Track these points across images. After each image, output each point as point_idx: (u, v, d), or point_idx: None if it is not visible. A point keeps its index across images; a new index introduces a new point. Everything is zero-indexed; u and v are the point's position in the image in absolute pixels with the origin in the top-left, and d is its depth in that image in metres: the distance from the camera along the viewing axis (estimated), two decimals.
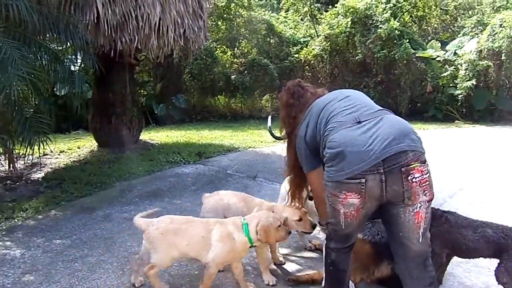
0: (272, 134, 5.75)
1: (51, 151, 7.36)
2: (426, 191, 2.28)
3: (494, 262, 3.57)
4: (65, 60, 5.92)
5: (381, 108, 2.51)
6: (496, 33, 12.22)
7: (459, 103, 12.89)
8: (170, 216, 3.15)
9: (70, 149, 7.85)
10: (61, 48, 6.11)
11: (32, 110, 5.49)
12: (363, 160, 2.24)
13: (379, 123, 2.35)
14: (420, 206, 2.30)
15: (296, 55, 14.53)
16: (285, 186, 3.75)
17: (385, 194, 2.29)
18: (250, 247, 2.98)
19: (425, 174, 2.27)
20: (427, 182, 2.28)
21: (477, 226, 2.96)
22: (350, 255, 2.64)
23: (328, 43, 14.19)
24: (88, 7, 5.84)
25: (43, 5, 5.50)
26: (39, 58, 5.56)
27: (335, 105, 2.60)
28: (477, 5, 15.71)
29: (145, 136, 8.98)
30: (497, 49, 12.14)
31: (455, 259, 3.60)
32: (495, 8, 14.38)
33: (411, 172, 2.23)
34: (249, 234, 2.90)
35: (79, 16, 5.81)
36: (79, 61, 6.98)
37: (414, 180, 2.24)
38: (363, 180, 2.25)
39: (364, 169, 2.24)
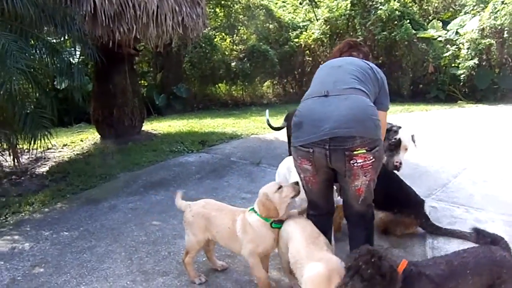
0: (270, 126, 5.83)
1: (55, 145, 7.38)
2: (367, 173, 2.48)
3: None
4: (64, 53, 5.89)
5: (356, 86, 2.57)
6: (498, 10, 12.06)
7: (462, 83, 12.77)
8: (205, 200, 3.17)
9: (73, 142, 7.86)
10: (59, 40, 6.08)
11: (33, 104, 5.49)
12: (313, 133, 2.46)
13: (342, 101, 2.49)
14: (361, 184, 2.53)
15: (296, 40, 14.40)
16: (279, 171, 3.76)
17: (330, 165, 2.52)
18: (275, 227, 2.79)
19: (369, 161, 2.43)
20: (370, 167, 2.46)
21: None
22: (329, 220, 2.88)
23: (328, 27, 14.07)
24: None
25: None
26: (37, 51, 5.54)
27: (326, 70, 2.85)
28: None
29: (147, 126, 8.98)
30: (500, 27, 12.00)
31: (454, 245, 3.63)
32: None
33: (353, 157, 2.41)
34: (259, 213, 2.80)
35: (75, 7, 5.76)
36: (78, 53, 6.96)
37: (355, 164, 2.43)
38: (311, 150, 2.50)
39: (312, 141, 2.47)
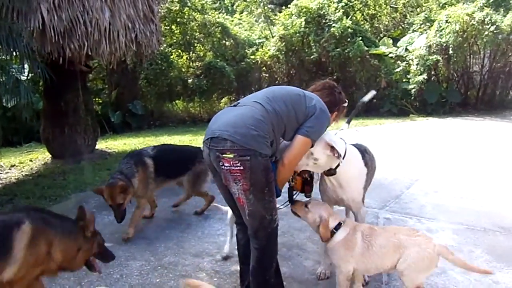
0: None
1: (1, 166, 7.02)
2: (237, 181, 2.47)
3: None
4: (11, 70, 5.65)
5: (259, 101, 2.60)
6: (443, 29, 12.75)
7: (413, 97, 13.34)
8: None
9: (21, 163, 7.50)
10: (5, 57, 5.84)
11: None
12: (206, 133, 2.61)
13: (237, 110, 2.62)
14: (238, 193, 2.51)
15: (253, 57, 14.58)
16: None
17: (213, 165, 2.59)
18: None
19: (235, 167, 2.45)
20: (238, 174, 2.46)
21: None
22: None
23: (283, 44, 14.36)
24: (32, 14, 5.60)
25: None
26: None
27: None
28: (424, 3, 16.35)
29: (101, 145, 8.72)
30: (445, 44, 12.67)
31: None
32: (441, 5, 15.00)
33: (222, 159, 2.46)
34: None
35: (22, 23, 5.56)
36: (26, 70, 6.70)
37: (223, 167, 2.48)
38: (203, 148, 2.67)
39: (203, 140, 2.63)
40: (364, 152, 3.23)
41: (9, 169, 7.15)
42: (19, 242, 2.29)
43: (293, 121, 2.61)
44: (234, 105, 2.71)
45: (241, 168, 2.42)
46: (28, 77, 7.12)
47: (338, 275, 2.79)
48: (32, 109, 9.81)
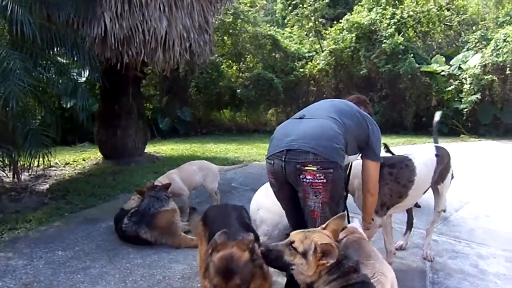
0: None
1: (57, 163, 7.39)
2: (317, 194, 2.45)
3: (503, 277, 3.54)
4: (72, 73, 5.98)
5: (331, 115, 2.65)
6: (500, 48, 12.28)
7: (464, 117, 12.88)
8: None
9: (75, 161, 7.88)
10: (68, 61, 6.19)
11: (37, 122, 5.52)
12: (276, 146, 2.59)
13: (310, 122, 2.62)
14: (315, 206, 2.48)
15: (301, 70, 14.62)
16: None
17: (286, 178, 2.55)
18: None
19: (318, 180, 2.43)
20: (321, 187, 2.44)
21: None
22: None
23: (333, 58, 14.31)
24: (96, 21, 5.92)
25: (52, 21, 5.57)
26: (45, 71, 5.62)
27: (319, 102, 3.02)
28: (481, 21, 15.80)
29: (150, 148, 8.99)
30: (502, 64, 12.19)
31: (467, 271, 3.57)
32: (498, 23, 14.44)
33: (303, 172, 2.44)
34: None
35: (87, 30, 5.88)
36: (86, 73, 7.07)
37: (304, 180, 2.45)
38: (272, 162, 2.61)
39: (273, 153, 2.59)
40: None
41: (64, 166, 7.53)
42: None
43: (356, 138, 2.72)
44: (300, 118, 2.72)
45: (324, 181, 2.43)
46: (86, 80, 7.47)
47: None
48: (87, 110, 10.29)
